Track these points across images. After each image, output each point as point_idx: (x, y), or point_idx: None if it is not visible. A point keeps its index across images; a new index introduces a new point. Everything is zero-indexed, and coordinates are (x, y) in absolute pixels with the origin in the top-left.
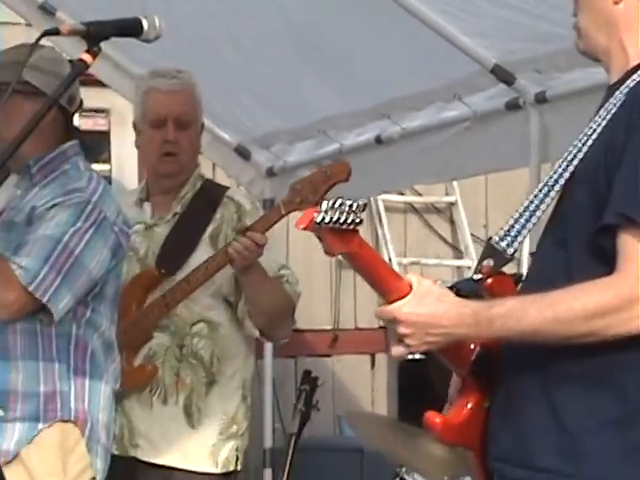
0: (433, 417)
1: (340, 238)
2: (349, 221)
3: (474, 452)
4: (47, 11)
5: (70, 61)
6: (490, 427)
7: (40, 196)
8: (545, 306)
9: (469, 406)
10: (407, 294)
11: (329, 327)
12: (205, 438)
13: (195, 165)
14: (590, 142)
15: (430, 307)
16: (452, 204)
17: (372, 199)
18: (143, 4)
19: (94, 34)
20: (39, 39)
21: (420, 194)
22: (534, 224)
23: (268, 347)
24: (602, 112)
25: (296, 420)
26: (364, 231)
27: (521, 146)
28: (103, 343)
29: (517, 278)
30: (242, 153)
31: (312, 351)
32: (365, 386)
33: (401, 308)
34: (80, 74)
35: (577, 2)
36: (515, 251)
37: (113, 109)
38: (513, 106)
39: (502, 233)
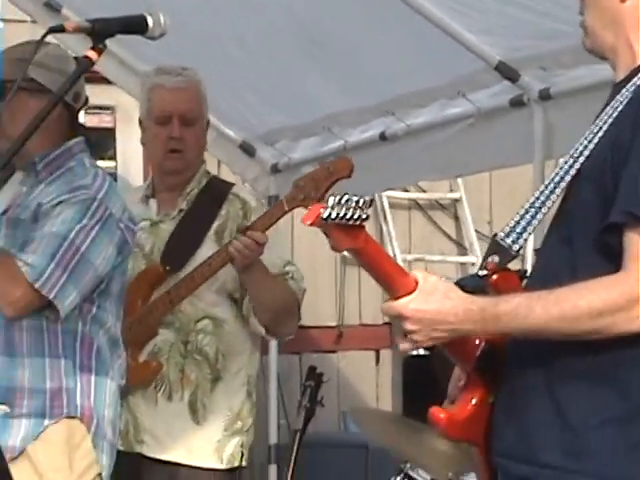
0: (438, 413)
1: (346, 234)
2: (355, 217)
3: (478, 448)
4: (52, 8)
5: (75, 58)
6: (494, 423)
7: (46, 193)
8: (551, 304)
9: (473, 402)
10: (413, 290)
11: (334, 323)
12: (210, 434)
13: (201, 162)
14: (596, 139)
15: (437, 303)
16: (456, 201)
17: (377, 196)
18: (148, 1)
19: (99, 31)
20: (44, 36)
21: (424, 191)
22: (539, 221)
23: (273, 343)
24: (608, 109)
25: (301, 416)
26: (368, 228)
27: (525, 143)
28: (109, 339)
29: (522, 274)
30: (247, 150)
31: (317, 347)
32: (370, 382)
33: (408, 304)
34: (85, 71)
35: (583, 0)
36: (520, 248)
37: (118, 106)
38: (517, 103)
39: (507, 229)
